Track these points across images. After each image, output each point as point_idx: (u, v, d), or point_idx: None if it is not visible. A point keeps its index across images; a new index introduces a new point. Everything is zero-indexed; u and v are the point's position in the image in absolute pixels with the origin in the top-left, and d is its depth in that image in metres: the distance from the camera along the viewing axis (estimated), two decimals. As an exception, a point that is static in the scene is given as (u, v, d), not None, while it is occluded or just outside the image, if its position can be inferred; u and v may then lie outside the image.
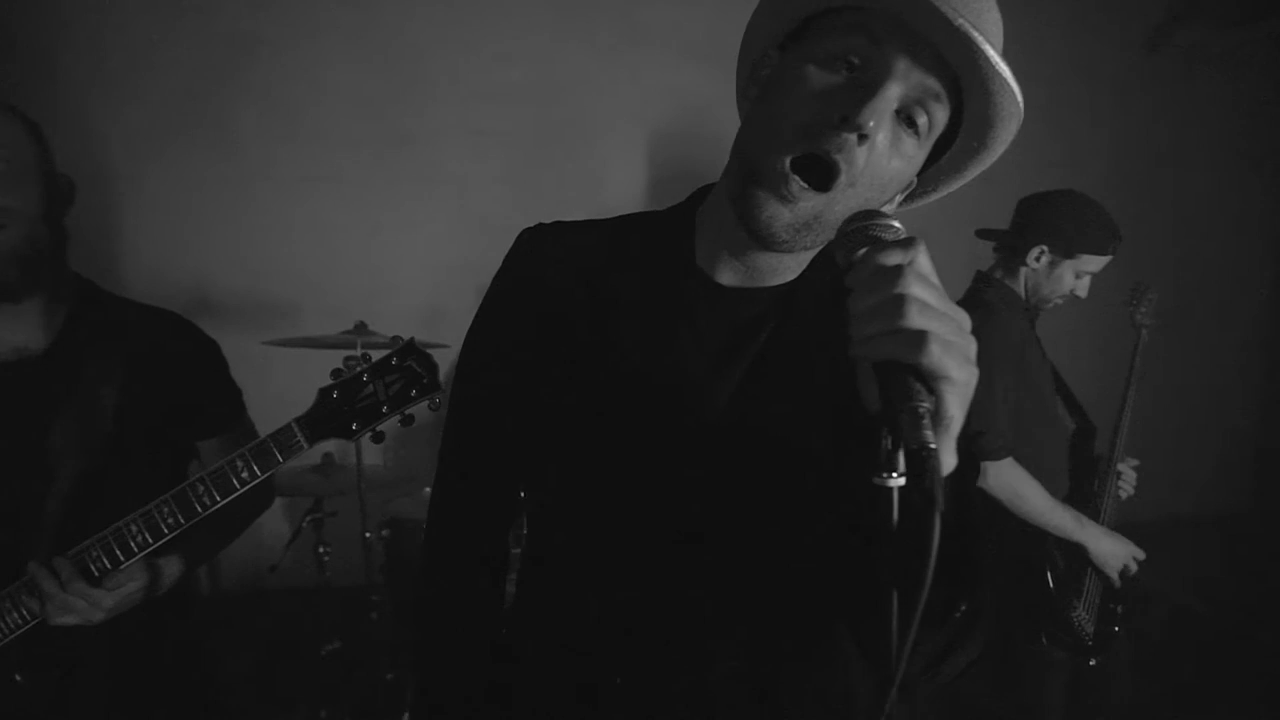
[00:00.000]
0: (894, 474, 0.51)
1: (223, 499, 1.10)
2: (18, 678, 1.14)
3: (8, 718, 1.14)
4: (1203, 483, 4.02)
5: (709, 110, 3.30)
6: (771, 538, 0.80)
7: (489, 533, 0.96)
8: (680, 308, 0.81)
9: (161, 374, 1.25)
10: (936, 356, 0.51)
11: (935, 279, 0.55)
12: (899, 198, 0.77)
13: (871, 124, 0.65)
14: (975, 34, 0.61)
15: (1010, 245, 1.98)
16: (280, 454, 1.09)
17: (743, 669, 0.83)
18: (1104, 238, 1.89)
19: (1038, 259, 1.92)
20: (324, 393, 1.08)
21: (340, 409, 1.08)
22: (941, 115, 0.69)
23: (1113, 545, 1.89)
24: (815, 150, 0.67)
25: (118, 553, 1.09)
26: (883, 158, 0.69)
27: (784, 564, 0.81)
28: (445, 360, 1.08)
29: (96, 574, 1.09)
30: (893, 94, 0.66)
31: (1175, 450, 3.36)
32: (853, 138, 0.66)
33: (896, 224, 0.60)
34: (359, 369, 1.08)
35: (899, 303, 0.53)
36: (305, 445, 1.09)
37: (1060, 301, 1.95)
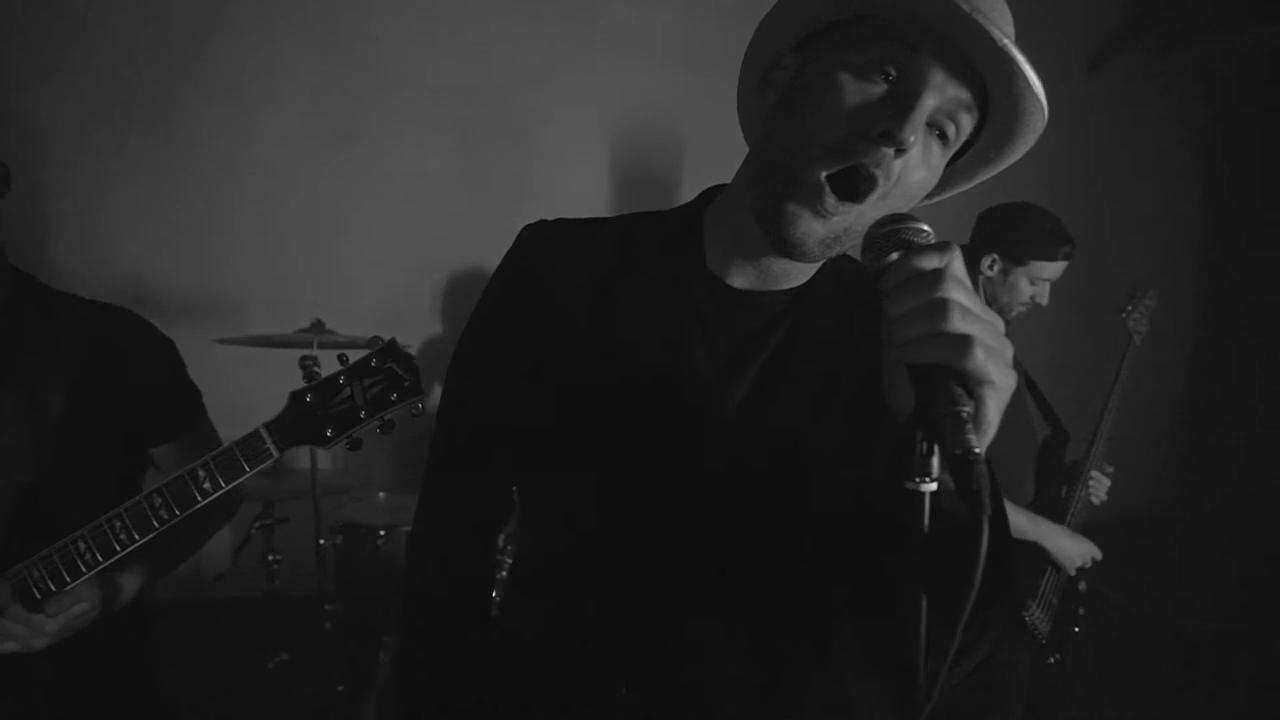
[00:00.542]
0: (928, 478, 0.51)
1: (182, 512, 1.01)
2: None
3: None
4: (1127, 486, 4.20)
5: (670, 113, 3.32)
6: (778, 541, 0.79)
7: (480, 533, 0.92)
8: (691, 310, 0.80)
9: (112, 374, 1.16)
10: (980, 361, 0.52)
11: (969, 283, 0.56)
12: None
13: (913, 139, 0.64)
14: (1016, 53, 0.61)
15: (965, 256, 2.01)
16: (247, 463, 1.01)
17: (744, 672, 0.82)
18: (1053, 244, 1.94)
19: (990, 267, 1.98)
20: (296, 396, 1.02)
21: (314, 413, 1.01)
22: (969, 124, 0.69)
23: (1070, 543, 1.94)
24: (853, 164, 0.66)
25: (63, 573, 1.00)
26: (914, 170, 0.68)
27: (788, 567, 0.80)
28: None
29: (39, 596, 1.00)
30: (929, 106, 0.66)
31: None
32: (890, 151, 0.65)
33: (926, 228, 0.60)
34: (336, 371, 1.01)
35: (941, 306, 0.53)
36: (275, 453, 1.02)
37: (1023, 309, 2.00)
